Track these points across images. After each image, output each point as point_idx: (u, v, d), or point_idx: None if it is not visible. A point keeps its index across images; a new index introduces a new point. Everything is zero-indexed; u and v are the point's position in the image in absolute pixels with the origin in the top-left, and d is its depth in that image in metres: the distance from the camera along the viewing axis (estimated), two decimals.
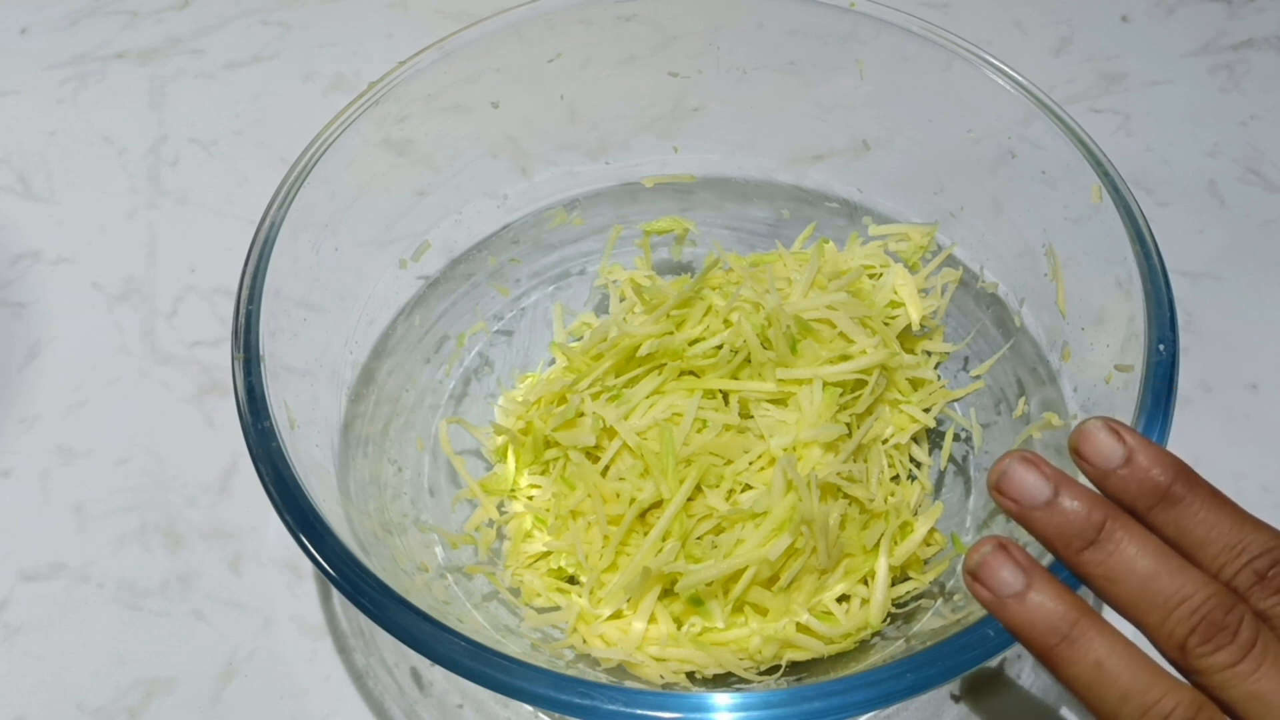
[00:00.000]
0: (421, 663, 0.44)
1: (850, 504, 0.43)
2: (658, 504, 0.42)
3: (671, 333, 0.45)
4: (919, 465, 0.45)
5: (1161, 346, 0.37)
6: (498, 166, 0.51)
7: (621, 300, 0.50)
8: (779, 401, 0.44)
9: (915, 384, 0.46)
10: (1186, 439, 0.48)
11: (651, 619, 0.41)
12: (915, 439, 0.45)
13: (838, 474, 0.43)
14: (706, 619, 0.41)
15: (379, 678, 0.44)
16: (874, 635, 0.41)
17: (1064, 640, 0.28)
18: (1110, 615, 0.30)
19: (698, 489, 0.42)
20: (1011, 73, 0.43)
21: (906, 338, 0.47)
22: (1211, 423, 0.49)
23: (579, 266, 0.52)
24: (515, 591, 0.44)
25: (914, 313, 0.47)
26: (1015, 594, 0.29)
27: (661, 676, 0.40)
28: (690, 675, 0.40)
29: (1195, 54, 0.62)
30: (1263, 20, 0.63)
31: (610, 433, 0.44)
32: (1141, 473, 0.29)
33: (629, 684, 0.39)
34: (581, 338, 0.50)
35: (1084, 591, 0.44)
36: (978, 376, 0.46)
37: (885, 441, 0.44)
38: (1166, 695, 0.27)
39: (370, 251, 0.47)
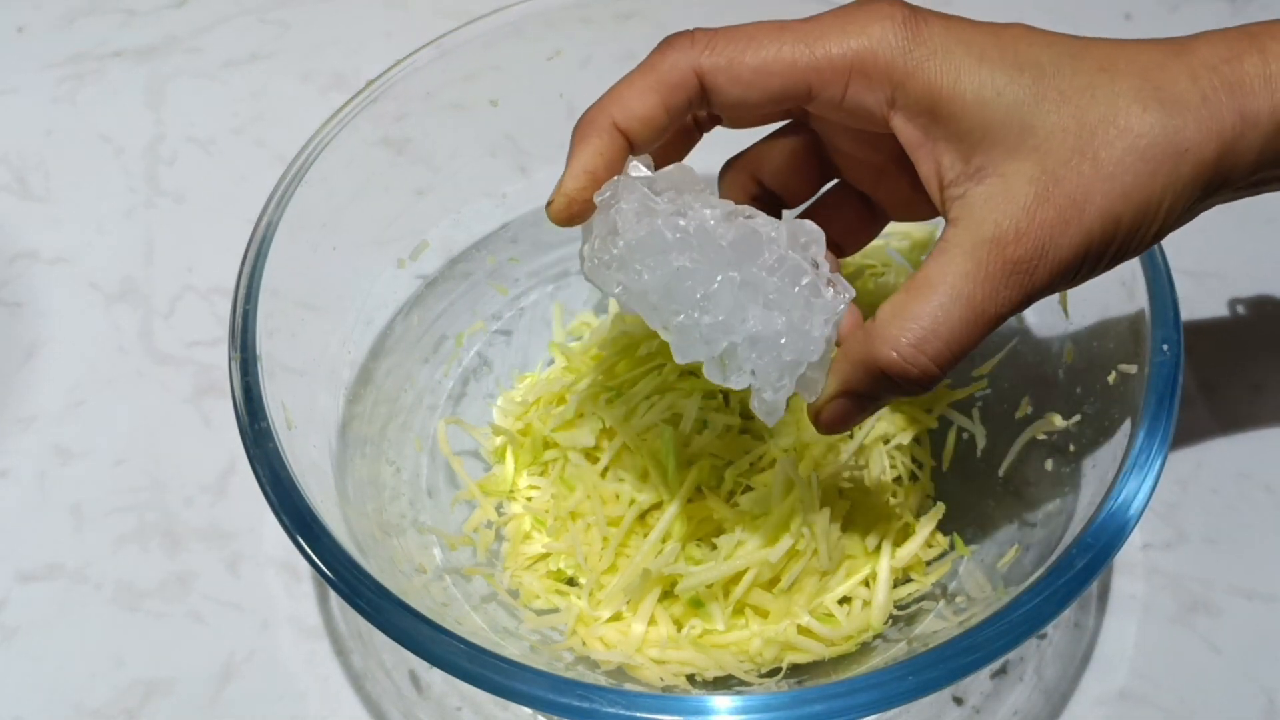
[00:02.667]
0: (420, 665, 0.43)
1: (851, 505, 0.42)
2: (657, 505, 0.42)
3: None
4: (921, 466, 0.45)
5: (1165, 346, 0.37)
6: (496, 165, 0.51)
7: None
8: None
9: None
10: (1189, 439, 0.48)
11: (651, 621, 0.41)
12: (917, 439, 0.45)
13: (839, 475, 0.42)
14: (707, 621, 0.41)
15: (377, 680, 0.43)
16: (875, 637, 0.41)
17: None
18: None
19: (698, 490, 0.42)
20: None
21: None
22: (1214, 423, 0.48)
23: (579, 266, 0.52)
24: (514, 593, 0.43)
25: None
26: None
27: (661, 679, 0.40)
28: (690, 678, 0.40)
29: None
30: (1266, 18, 0.63)
31: (610, 433, 0.44)
32: None
33: (629, 687, 0.39)
34: (581, 337, 0.50)
35: (1086, 595, 0.44)
36: (980, 376, 0.45)
37: (887, 442, 0.44)
38: None
39: (368, 251, 0.47)
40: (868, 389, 0.32)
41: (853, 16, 0.31)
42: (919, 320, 0.30)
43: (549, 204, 0.33)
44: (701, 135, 0.36)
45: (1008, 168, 0.30)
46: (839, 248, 0.38)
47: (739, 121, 0.35)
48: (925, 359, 0.31)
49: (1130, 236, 0.31)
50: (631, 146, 0.33)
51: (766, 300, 0.32)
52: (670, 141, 0.35)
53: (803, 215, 0.38)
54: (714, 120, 0.36)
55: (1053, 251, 0.30)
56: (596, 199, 0.33)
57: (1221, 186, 0.32)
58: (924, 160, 0.32)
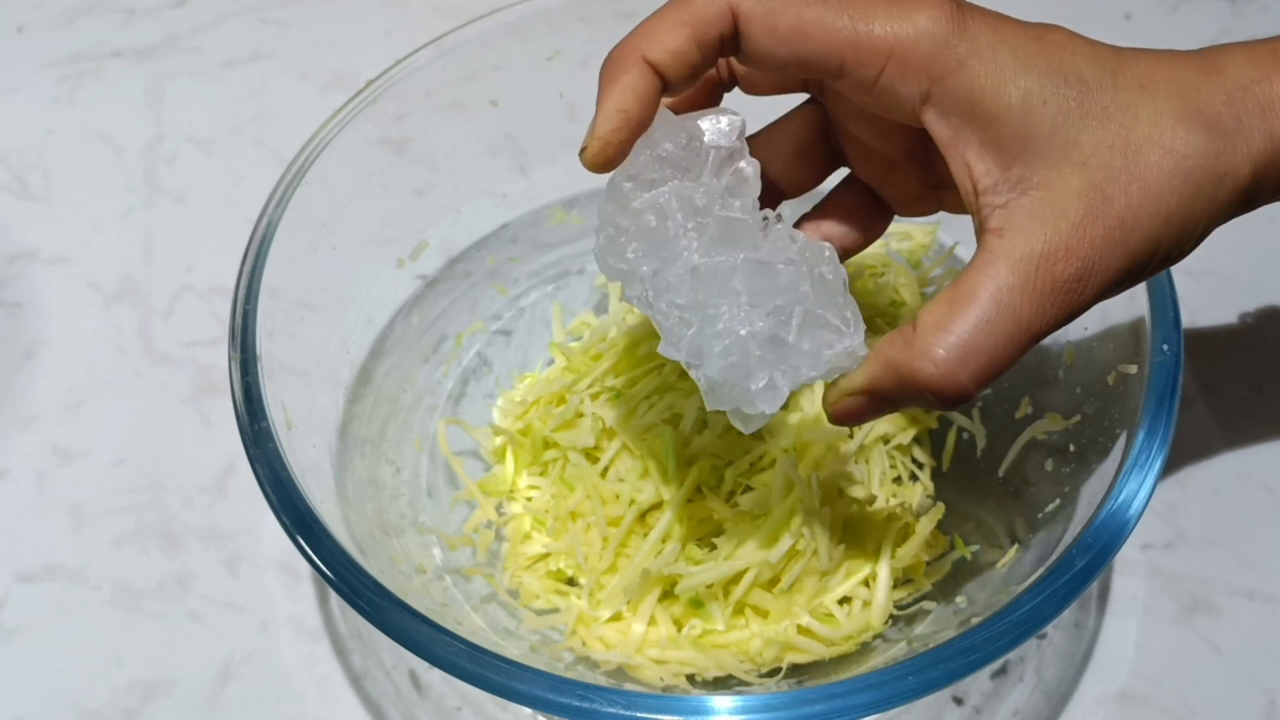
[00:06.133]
0: (420, 665, 0.43)
1: (852, 505, 0.42)
2: (657, 505, 0.42)
3: None
4: (921, 466, 0.45)
5: (1165, 346, 0.37)
6: (496, 165, 0.51)
7: (621, 300, 0.50)
8: None
9: None
10: (1189, 440, 0.48)
11: (651, 621, 0.41)
12: (917, 439, 0.45)
13: (839, 475, 0.42)
14: (707, 621, 0.41)
15: (377, 680, 0.43)
16: (875, 638, 0.40)
17: None
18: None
19: (698, 490, 0.42)
20: None
21: None
22: (1214, 423, 0.48)
23: (578, 265, 0.52)
24: (514, 593, 0.43)
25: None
26: None
27: (661, 679, 0.40)
28: (690, 678, 0.40)
29: None
30: (1266, 19, 0.63)
31: (610, 433, 0.44)
32: None
33: (629, 687, 0.39)
34: (581, 338, 0.50)
35: (1086, 595, 0.44)
36: None
37: (887, 442, 0.44)
38: None
39: (368, 251, 0.47)
40: (894, 394, 0.31)
41: (901, 0, 0.30)
42: (961, 334, 0.29)
43: (582, 150, 0.32)
44: (720, 97, 0.36)
45: (1054, 181, 0.30)
46: (842, 249, 0.38)
47: (758, 84, 0.34)
48: (965, 375, 0.30)
49: (1165, 258, 0.31)
50: (664, 84, 0.31)
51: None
52: (692, 99, 0.34)
53: (810, 212, 0.38)
54: (732, 81, 0.35)
55: (1100, 272, 0.30)
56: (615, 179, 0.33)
57: (1248, 206, 0.32)
58: (956, 160, 0.31)
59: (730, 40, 0.31)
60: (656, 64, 0.31)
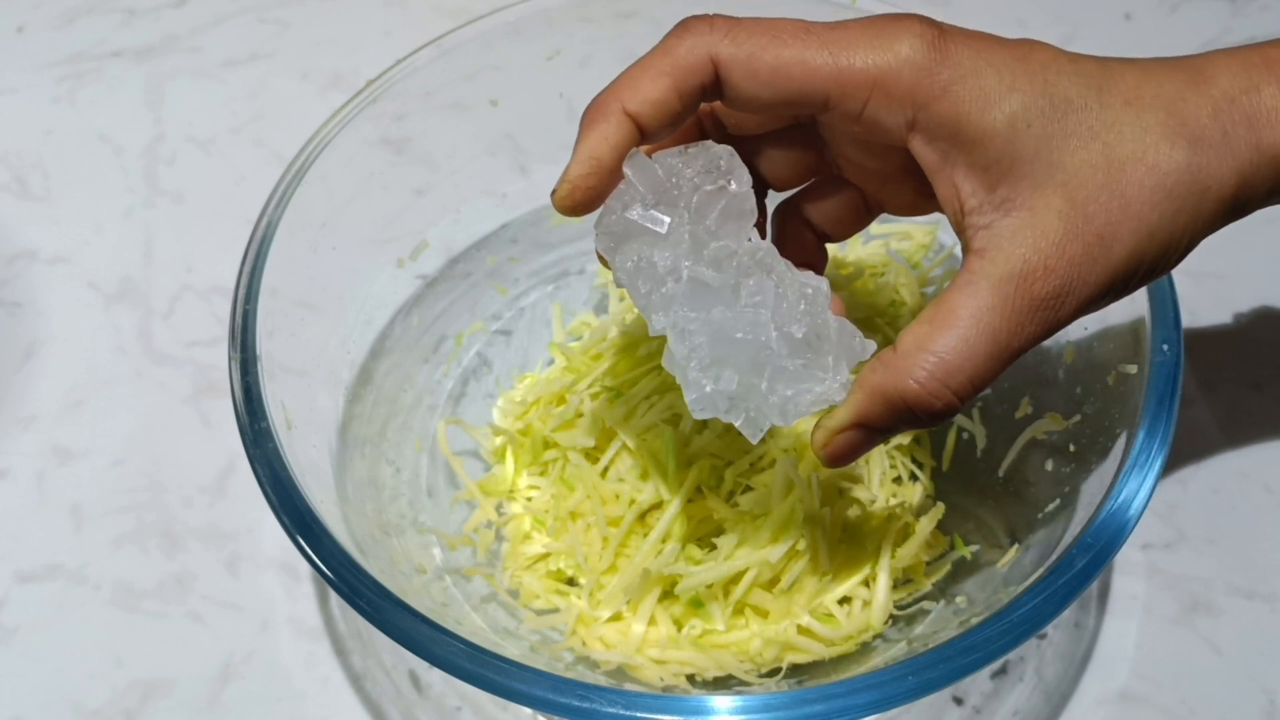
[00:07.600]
0: (420, 665, 0.43)
1: (851, 505, 0.42)
2: (657, 505, 0.42)
3: None
4: (921, 466, 0.45)
5: (1165, 346, 0.37)
6: (496, 165, 0.51)
7: (621, 300, 0.50)
8: None
9: None
10: (1189, 439, 0.48)
11: (651, 621, 0.41)
12: (917, 439, 0.45)
13: (839, 475, 0.42)
14: (707, 621, 0.41)
15: (377, 680, 0.43)
16: (875, 637, 0.40)
17: None
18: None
19: (698, 490, 0.42)
20: None
21: None
22: (1214, 423, 0.48)
23: (578, 265, 0.52)
24: (514, 593, 0.43)
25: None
26: None
27: (661, 679, 0.40)
28: (690, 678, 0.40)
29: (1198, 52, 0.62)
30: (1266, 19, 0.63)
31: (609, 433, 0.44)
32: None
33: (629, 687, 0.39)
34: (581, 337, 0.50)
35: (1086, 595, 0.44)
36: None
37: (887, 442, 0.44)
38: None
39: (368, 251, 0.47)
40: (884, 421, 0.32)
41: (880, 30, 0.30)
42: (943, 353, 0.30)
43: (554, 192, 0.32)
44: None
45: (1036, 201, 0.30)
46: (826, 235, 0.38)
47: (745, 125, 0.35)
48: (949, 392, 0.30)
49: (1150, 272, 0.31)
50: (642, 133, 0.32)
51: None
52: (676, 141, 0.35)
53: (794, 199, 0.38)
54: (718, 128, 0.35)
55: (1079, 288, 0.30)
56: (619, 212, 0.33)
57: (1238, 214, 0.32)
58: (943, 184, 0.31)
59: (712, 87, 0.31)
60: (636, 115, 0.31)
